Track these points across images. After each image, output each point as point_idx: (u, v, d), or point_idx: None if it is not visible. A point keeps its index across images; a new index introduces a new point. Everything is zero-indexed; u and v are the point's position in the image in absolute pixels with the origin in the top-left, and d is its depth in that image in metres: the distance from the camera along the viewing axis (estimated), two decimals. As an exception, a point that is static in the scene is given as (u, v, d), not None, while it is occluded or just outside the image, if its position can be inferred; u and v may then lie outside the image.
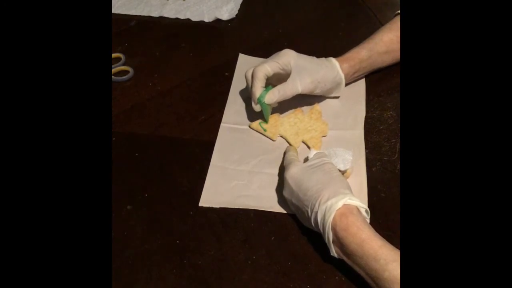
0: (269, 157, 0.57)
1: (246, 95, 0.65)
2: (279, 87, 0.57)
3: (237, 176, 0.55)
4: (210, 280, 0.46)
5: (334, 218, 0.43)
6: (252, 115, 0.62)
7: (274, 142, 0.59)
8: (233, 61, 0.71)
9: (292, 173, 0.48)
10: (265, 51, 0.72)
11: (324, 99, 0.63)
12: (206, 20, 0.79)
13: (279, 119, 0.61)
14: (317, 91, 0.60)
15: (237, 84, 0.67)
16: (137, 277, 0.46)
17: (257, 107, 0.58)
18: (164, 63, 0.72)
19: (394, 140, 0.58)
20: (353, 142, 0.58)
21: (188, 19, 0.80)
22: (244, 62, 0.70)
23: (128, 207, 0.52)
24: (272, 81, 0.59)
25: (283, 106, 0.62)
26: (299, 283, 0.45)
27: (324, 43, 0.75)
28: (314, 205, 0.44)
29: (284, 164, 0.51)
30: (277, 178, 0.55)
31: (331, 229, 0.43)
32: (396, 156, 0.56)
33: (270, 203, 0.52)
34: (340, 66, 0.61)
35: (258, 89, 0.57)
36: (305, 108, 0.62)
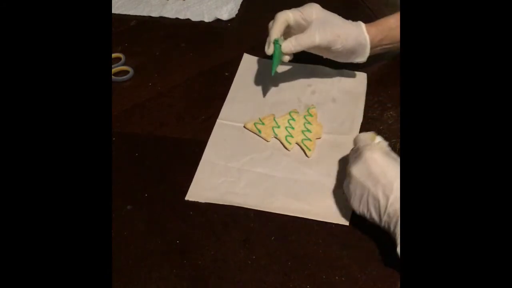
0: (260, 156, 0.57)
1: (246, 94, 0.65)
2: (296, 36, 0.57)
3: (226, 173, 0.55)
4: (210, 280, 0.46)
5: None
6: (249, 114, 0.61)
7: (267, 142, 0.59)
8: (233, 61, 0.71)
9: (376, 156, 0.44)
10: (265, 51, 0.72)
11: (322, 101, 0.63)
12: (206, 20, 0.79)
13: (273, 120, 0.60)
14: (337, 47, 0.58)
15: (239, 83, 0.67)
16: (137, 277, 0.46)
17: (269, 50, 0.58)
18: (164, 63, 0.72)
19: (394, 140, 0.58)
20: (347, 147, 0.58)
21: (188, 19, 0.80)
22: (248, 62, 0.70)
23: (128, 207, 0.52)
24: (295, 33, 0.59)
25: (278, 107, 0.62)
26: (299, 283, 0.45)
27: (324, 43, 0.74)
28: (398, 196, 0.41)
29: (359, 144, 0.47)
30: (266, 177, 0.55)
31: None
32: (396, 156, 0.56)
33: (256, 202, 0.52)
34: (367, 28, 0.60)
35: (275, 32, 0.58)
36: (300, 109, 0.62)
